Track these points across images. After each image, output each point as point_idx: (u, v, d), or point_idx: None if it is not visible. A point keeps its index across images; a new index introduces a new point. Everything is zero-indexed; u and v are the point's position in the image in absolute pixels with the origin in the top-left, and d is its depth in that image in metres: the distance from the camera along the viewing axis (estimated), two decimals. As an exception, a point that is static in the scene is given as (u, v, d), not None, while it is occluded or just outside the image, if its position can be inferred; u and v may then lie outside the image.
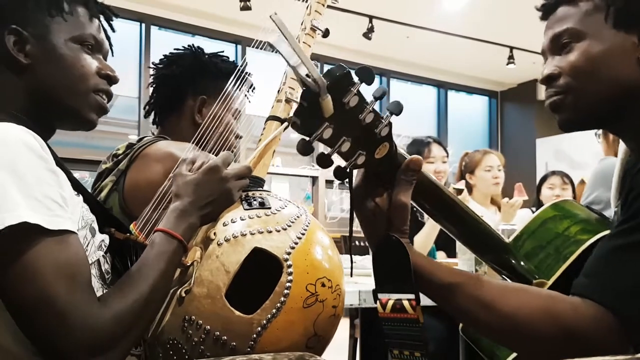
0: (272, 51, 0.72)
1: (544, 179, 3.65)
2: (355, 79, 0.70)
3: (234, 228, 0.92)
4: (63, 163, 0.89)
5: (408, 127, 6.35)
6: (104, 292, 0.88)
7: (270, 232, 0.92)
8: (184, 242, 0.89)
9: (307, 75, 0.67)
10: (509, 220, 2.62)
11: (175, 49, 1.55)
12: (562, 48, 0.91)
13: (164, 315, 0.90)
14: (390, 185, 0.81)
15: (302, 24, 1.11)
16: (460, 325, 1.05)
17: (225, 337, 0.86)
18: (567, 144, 6.68)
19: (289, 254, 0.90)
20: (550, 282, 0.93)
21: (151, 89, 1.55)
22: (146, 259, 0.86)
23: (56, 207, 0.78)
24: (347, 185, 0.80)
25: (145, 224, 1.01)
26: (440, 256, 2.53)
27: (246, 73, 1.27)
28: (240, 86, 1.27)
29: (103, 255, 0.94)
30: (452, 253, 2.39)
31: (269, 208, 0.96)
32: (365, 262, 2.05)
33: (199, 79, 1.50)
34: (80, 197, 0.92)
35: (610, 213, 1.05)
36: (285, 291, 0.87)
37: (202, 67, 1.51)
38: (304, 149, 0.70)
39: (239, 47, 5.95)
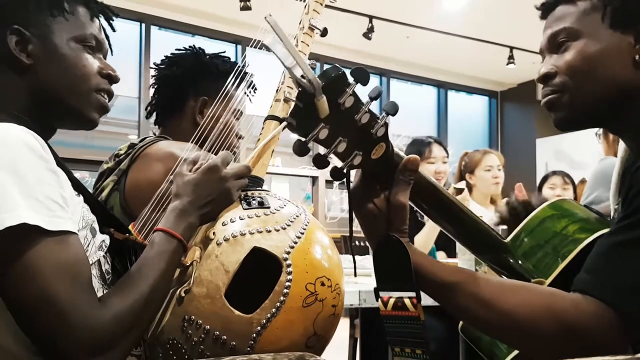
0: (269, 52, 0.72)
1: (545, 179, 3.65)
2: (351, 79, 0.70)
3: (233, 227, 0.92)
4: (64, 163, 0.89)
5: (408, 127, 6.36)
6: (105, 292, 0.88)
7: (270, 231, 0.92)
8: (183, 241, 0.89)
9: (302, 76, 0.68)
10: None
11: (176, 50, 1.55)
12: (559, 47, 0.91)
13: (164, 315, 0.90)
14: (388, 185, 0.82)
15: (300, 23, 1.12)
16: (460, 324, 1.06)
17: (225, 337, 0.86)
18: (567, 144, 6.67)
19: (288, 253, 0.90)
20: (548, 281, 0.93)
21: (152, 90, 1.55)
22: (146, 259, 0.87)
23: (57, 208, 0.78)
24: (345, 185, 0.81)
25: (144, 224, 1.01)
26: (440, 256, 2.53)
27: (247, 73, 1.27)
28: (241, 86, 1.27)
29: (104, 256, 0.94)
30: (452, 253, 2.39)
31: (268, 207, 0.96)
32: (365, 262, 2.04)
33: (200, 80, 1.50)
34: (81, 197, 0.92)
35: (610, 212, 1.05)
36: (285, 290, 0.87)
37: (203, 67, 1.51)
38: (300, 149, 0.70)
39: (239, 47, 5.94)
